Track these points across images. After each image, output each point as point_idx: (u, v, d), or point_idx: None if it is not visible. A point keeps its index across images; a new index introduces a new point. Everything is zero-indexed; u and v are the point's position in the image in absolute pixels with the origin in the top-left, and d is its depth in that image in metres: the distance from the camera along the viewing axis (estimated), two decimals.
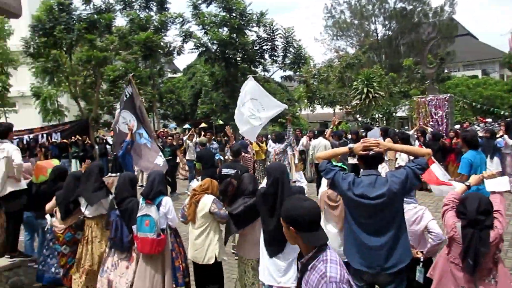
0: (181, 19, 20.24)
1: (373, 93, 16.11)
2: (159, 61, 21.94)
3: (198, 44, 19.12)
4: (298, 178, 4.44)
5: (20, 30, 20.34)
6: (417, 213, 3.63)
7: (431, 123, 13.38)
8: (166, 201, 4.47)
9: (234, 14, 18.99)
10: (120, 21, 53.26)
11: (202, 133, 15.36)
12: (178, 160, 13.12)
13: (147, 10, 21.20)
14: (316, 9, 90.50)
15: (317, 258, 2.01)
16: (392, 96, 20.13)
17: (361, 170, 3.25)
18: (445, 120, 13.90)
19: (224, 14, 19.08)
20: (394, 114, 23.68)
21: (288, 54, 19.59)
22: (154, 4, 21.09)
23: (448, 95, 14.27)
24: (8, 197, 5.20)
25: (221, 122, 20.42)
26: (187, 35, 19.76)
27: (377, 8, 32.28)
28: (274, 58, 20.13)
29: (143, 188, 4.80)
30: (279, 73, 21.68)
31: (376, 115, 20.20)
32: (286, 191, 3.57)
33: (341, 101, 19.75)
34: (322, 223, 4.28)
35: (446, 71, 31.36)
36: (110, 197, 4.95)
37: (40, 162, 6.40)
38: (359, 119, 19.67)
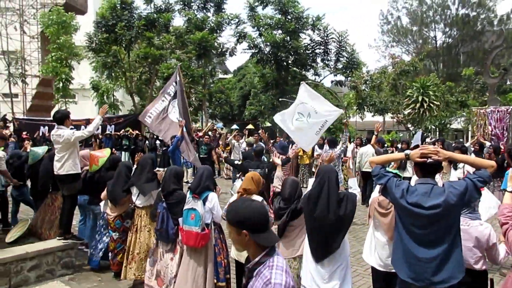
0: (236, 20, 20.53)
1: (428, 102, 15.45)
2: (211, 61, 22.36)
3: (252, 45, 19.28)
4: (351, 184, 4.32)
5: (84, 26, 21.47)
6: (483, 232, 3.43)
7: (491, 136, 12.63)
8: (212, 196, 4.53)
9: (289, 17, 19.00)
10: (178, 20, 54.96)
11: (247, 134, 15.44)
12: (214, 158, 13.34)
13: (204, 11, 21.69)
14: (370, 11, 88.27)
15: (264, 263, 1.92)
16: (448, 106, 19.23)
17: (416, 178, 3.11)
18: (506, 134, 13.07)
19: (279, 16, 19.14)
20: (448, 125, 22.61)
21: (341, 59, 19.32)
22: (212, 5, 21.53)
23: (511, 107, 13.41)
24: (65, 179, 5.47)
25: (268, 124, 20.47)
26: (242, 36, 19.99)
27: (438, 14, 30.95)
28: (326, 62, 19.92)
29: (189, 184, 4.91)
30: (329, 78, 21.39)
31: (430, 126, 19.36)
32: (333, 194, 3.50)
33: (393, 109, 19.14)
34: (370, 229, 4.18)
35: (508, 82, 29.54)
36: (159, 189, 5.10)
37: (93, 152, 6.61)
38: (411, 128, 18.95)
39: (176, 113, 9.01)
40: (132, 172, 5.62)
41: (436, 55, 31.17)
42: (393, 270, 3.12)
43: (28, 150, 7.62)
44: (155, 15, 21.74)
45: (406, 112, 17.95)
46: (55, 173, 5.46)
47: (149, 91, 22.27)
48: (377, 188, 3.92)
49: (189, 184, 4.74)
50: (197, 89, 23.43)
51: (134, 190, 5.32)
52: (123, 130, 17.79)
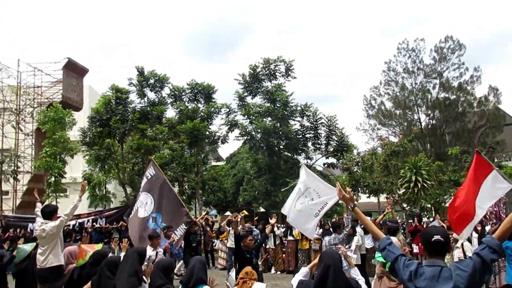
0: (227, 109, 21.33)
1: (421, 181, 15.49)
2: (204, 149, 22.74)
3: (244, 132, 19.77)
4: (354, 275, 4.08)
5: (78, 122, 22.05)
6: None
7: (489, 214, 12.42)
8: None
9: (278, 105, 19.78)
10: (171, 112, 57.26)
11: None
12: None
13: (195, 102, 22.57)
14: (357, 100, 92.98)
15: None
16: (441, 185, 19.28)
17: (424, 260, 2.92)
18: (504, 211, 12.89)
19: (268, 105, 19.93)
20: (443, 204, 22.44)
21: (331, 142, 19.78)
22: (202, 96, 22.49)
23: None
24: (49, 275, 5.22)
25: (262, 209, 20.22)
26: (233, 124, 20.60)
27: (419, 98, 32.51)
28: (317, 146, 20.35)
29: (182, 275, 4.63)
30: (321, 160, 21.70)
31: (425, 205, 19.21)
32: (338, 281, 3.27)
33: (386, 189, 19.12)
34: None
35: (496, 160, 30.05)
36: (145, 286, 4.74)
37: (83, 245, 6.37)
38: (407, 208, 18.76)
39: (148, 207, 8.83)
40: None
41: (422, 136, 32.05)
42: None
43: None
44: (148, 108, 22.54)
45: (400, 192, 17.85)
46: (38, 267, 5.32)
47: (141, 181, 22.21)
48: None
49: (181, 278, 4.48)
50: (190, 177, 23.44)
51: None
52: (116, 223, 17.34)
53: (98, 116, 21.26)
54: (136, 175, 23.32)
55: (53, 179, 20.76)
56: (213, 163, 34.67)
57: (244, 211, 20.64)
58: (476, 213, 6.95)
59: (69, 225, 17.39)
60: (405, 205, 19.20)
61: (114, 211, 20.19)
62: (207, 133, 21.79)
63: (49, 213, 5.67)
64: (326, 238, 8.82)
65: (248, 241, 6.24)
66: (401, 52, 32.75)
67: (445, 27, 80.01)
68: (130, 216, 9.45)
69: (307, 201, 7.78)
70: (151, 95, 23.30)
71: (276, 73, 20.70)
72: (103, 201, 23.52)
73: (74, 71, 24.36)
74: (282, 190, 15.02)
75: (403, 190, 17.07)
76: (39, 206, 6.38)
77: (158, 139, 21.50)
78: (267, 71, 20.58)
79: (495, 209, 12.93)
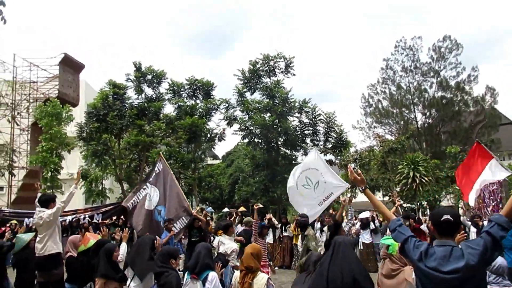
0: (226, 105, 21.27)
1: (419, 177, 15.55)
2: (202, 145, 22.66)
3: (243, 127, 19.72)
4: None
5: (75, 117, 21.90)
6: None
7: (488, 208, 12.45)
8: (213, 276, 4.23)
9: (277, 101, 19.75)
10: (169, 108, 56.89)
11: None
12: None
13: (194, 98, 22.48)
14: (356, 98, 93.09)
15: None
16: (438, 182, 19.37)
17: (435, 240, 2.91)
18: (500, 207, 12.94)
19: (267, 100, 19.90)
20: (438, 202, 22.55)
21: (330, 139, 19.78)
22: (200, 92, 22.41)
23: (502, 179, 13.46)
24: (46, 263, 5.19)
25: (260, 205, 20.10)
26: (232, 119, 20.55)
27: (416, 97, 32.57)
28: (316, 143, 20.35)
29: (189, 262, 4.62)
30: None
31: (422, 202, 19.22)
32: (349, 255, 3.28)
33: (384, 186, 19.18)
34: None
35: None
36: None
37: (88, 233, 6.41)
38: (404, 205, 18.84)
39: (153, 201, 8.99)
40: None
41: (419, 135, 32.16)
42: None
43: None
44: (145, 104, 22.43)
45: (397, 189, 17.92)
46: (37, 255, 5.30)
47: (138, 177, 22.12)
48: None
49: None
50: (187, 173, 23.37)
51: (129, 272, 4.91)
52: (113, 218, 17.25)
53: (95, 111, 21.14)
54: (133, 171, 23.23)
55: (49, 174, 20.60)
56: (209, 161, 34.61)
57: (242, 207, 20.67)
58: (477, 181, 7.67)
59: (65, 221, 17.30)
60: (402, 202, 19.32)
61: (111, 206, 20.03)
62: (205, 129, 21.70)
63: (46, 201, 5.65)
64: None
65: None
66: (399, 50, 32.82)
67: (443, 25, 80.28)
68: (132, 204, 9.48)
69: (312, 187, 7.74)
70: (149, 91, 23.21)
71: (276, 70, 20.69)
72: (99, 197, 23.37)
73: (70, 67, 24.14)
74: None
75: (400, 187, 17.16)
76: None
77: (155, 135, 21.43)
78: (267, 67, 20.56)
79: (495, 202, 12.96)
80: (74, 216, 18.81)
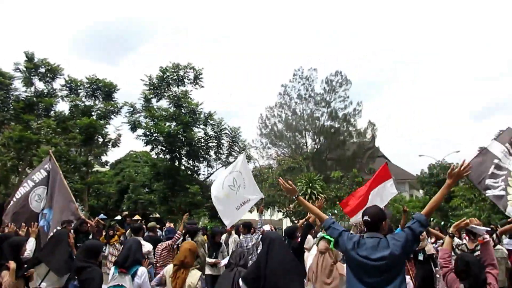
0: (131, 109, 20.31)
1: (316, 194, 16.76)
2: (99, 148, 21.17)
3: (148, 133, 19.00)
4: None
5: None
6: None
7: None
8: (142, 271, 4.20)
9: (183, 111, 19.57)
10: (62, 106, 51.80)
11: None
12: None
13: (93, 98, 21.02)
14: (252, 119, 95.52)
15: None
16: (327, 201, 21.01)
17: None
18: None
19: (174, 109, 19.59)
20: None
21: (233, 153, 20.17)
22: (101, 94, 21.05)
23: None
24: None
25: (157, 215, 19.56)
26: (137, 124, 19.70)
27: (308, 123, 35.04)
28: (219, 156, 20.56)
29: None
30: (222, 170, 21.93)
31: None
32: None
33: (281, 202, 20.14)
34: None
35: None
36: None
37: None
38: (295, 222, 19.98)
39: (41, 202, 8.36)
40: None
41: (307, 159, 34.60)
42: None
43: None
44: (35, 98, 20.27)
45: (291, 206, 18.95)
46: None
47: (17, 179, 19.67)
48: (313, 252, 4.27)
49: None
50: (73, 178, 21.49)
51: (41, 269, 4.46)
52: None
53: None
54: (10, 171, 20.62)
55: None
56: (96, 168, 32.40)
57: (137, 215, 19.69)
58: (368, 202, 8.49)
59: None
60: (294, 219, 20.45)
61: None
62: (103, 132, 20.35)
63: None
64: (242, 238, 8.90)
65: None
66: (296, 78, 35.19)
67: (335, 60, 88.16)
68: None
69: (236, 189, 7.83)
70: (40, 85, 21.01)
71: (185, 80, 20.53)
72: None
73: None
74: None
75: (295, 204, 18.16)
76: None
77: (44, 134, 19.40)
78: (176, 76, 20.29)
79: None
80: None
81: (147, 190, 25.78)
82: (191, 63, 20.61)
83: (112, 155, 66.48)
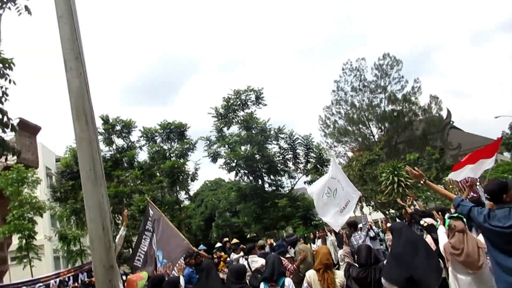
0: (207, 142, 21.48)
1: (404, 181, 16.57)
2: (186, 186, 22.50)
3: (228, 161, 19.95)
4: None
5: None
6: None
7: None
8: (289, 281, 4.54)
9: (254, 132, 20.31)
10: (141, 155, 55.43)
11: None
12: None
13: (169, 141, 22.48)
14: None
15: None
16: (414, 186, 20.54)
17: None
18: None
19: (245, 132, 20.40)
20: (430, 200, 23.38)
21: (310, 160, 20.49)
22: (175, 135, 22.48)
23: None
24: None
25: (254, 234, 20.26)
26: (216, 154, 20.75)
27: (369, 113, 34.44)
28: (297, 165, 20.99)
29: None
30: (303, 179, 22.28)
31: (414, 203, 20.09)
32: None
33: (367, 196, 19.98)
34: (451, 274, 4.42)
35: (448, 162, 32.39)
36: None
37: (130, 276, 6.40)
38: (392, 212, 19.75)
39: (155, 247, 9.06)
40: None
41: (383, 148, 33.86)
42: None
43: None
44: (118, 154, 22.07)
45: (382, 198, 18.62)
46: None
47: (119, 226, 21.37)
48: (443, 235, 4.42)
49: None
50: (167, 218, 22.89)
51: None
52: None
53: (68, 169, 20.45)
54: (113, 224, 22.45)
55: (23, 241, 19.33)
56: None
57: (234, 239, 20.52)
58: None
59: (49, 284, 16.23)
60: (385, 210, 20.22)
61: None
62: (185, 170, 21.67)
63: None
64: (351, 237, 9.13)
65: None
66: (346, 72, 34.87)
67: (381, 45, 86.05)
68: (139, 261, 9.35)
69: (332, 194, 8.10)
70: (119, 141, 22.90)
71: (248, 102, 21.38)
72: (81, 257, 22.15)
73: (26, 131, 23.12)
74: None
75: (384, 196, 17.86)
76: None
77: (133, 184, 21.02)
78: (239, 102, 21.20)
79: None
80: (57, 278, 17.81)
81: (229, 214, 26.67)
82: (250, 86, 21.54)
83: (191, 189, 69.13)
